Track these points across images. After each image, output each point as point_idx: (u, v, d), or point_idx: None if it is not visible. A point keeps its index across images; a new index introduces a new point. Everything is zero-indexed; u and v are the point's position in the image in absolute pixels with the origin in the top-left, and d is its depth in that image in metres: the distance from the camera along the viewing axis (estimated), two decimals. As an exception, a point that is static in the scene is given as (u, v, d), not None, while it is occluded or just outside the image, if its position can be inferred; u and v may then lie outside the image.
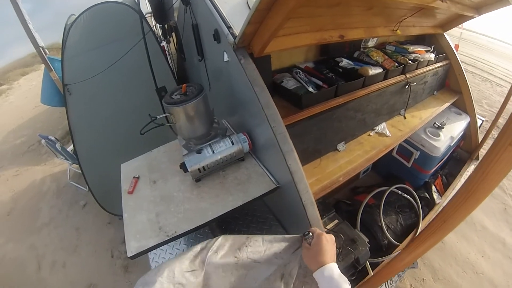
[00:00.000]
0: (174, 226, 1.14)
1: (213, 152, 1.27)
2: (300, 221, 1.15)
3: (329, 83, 1.58)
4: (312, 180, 1.45)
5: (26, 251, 3.16)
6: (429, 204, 2.15)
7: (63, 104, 2.67)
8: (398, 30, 1.81)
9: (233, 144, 1.29)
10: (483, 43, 10.74)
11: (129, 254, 1.08)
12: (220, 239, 0.95)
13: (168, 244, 1.39)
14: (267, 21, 1.03)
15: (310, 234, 0.90)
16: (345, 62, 1.83)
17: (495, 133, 4.53)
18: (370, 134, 1.84)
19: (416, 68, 2.03)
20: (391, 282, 1.67)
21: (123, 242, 2.82)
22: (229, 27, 1.23)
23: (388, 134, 1.82)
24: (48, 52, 3.72)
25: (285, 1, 0.90)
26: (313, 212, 1.11)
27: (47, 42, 4.00)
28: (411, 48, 2.15)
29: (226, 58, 1.28)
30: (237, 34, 1.15)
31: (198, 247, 0.92)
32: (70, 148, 3.31)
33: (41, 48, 3.58)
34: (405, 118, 2.04)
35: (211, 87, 1.71)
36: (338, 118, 1.59)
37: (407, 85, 1.94)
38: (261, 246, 0.97)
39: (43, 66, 3.67)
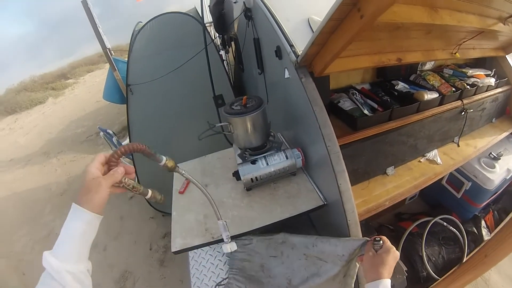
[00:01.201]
0: (218, 229, 1.17)
1: (267, 164, 1.29)
2: (340, 234, 1.16)
3: (384, 106, 1.55)
4: (359, 201, 1.43)
5: None
6: (476, 240, 1.98)
7: (123, 101, 2.87)
8: (457, 53, 1.72)
9: (287, 158, 1.30)
10: None
11: (173, 249, 1.15)
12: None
13: (210, 246, 1.44)
14: (330, 43, 1.04)
15: (381, 242, 0.88)
16: (401, 86, 1.78)
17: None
18: (421, 160, 1.75)
19: (474, 94, 1.90)
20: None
21: (163, 237, 2.94)
22: (291, 45, 1.25)
23: (439, 161, 1.73)
24: (113, 53, 4.01)
25: (349, 26, 0.91)
26: (356, 232, 1.10)
27: (112, 44, 4.30)
28: (470, 72, 2.01)
29: (287, 74, 1.30)
30: (299, 52, 1.17)
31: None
32: (125, 142, 3.51)
33: (107, 49, 3.86)
34: (458, 146, 1.91)
35: (268, 100, 1.74)
36: (390, 142, 1.54)
37: (463, 111, 1.82)
38: (329, 246, 1.09)
39: (107, 65, 3.94)
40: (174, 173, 1.55)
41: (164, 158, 0.82)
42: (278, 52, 1.35)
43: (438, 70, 2.10)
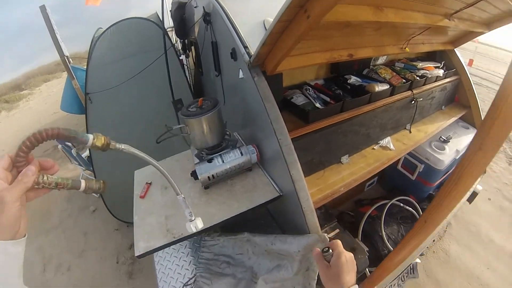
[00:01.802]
0: (181, 228, 1.23)
1: (223, 161, 1.36)
2: (300, 228, 1.23)
3: (337, 99, 1.67)
4: (314, 190, 1.54)
5: (33, 252, 3.27)
6: None
7: (82, 111, 2.81)
8: (406, 48, 1.88)
9: (242, 155, 1.38)
10: (500, 56, 10.61)
11: (137, 254, 1.17)
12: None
13: (174, 248, 1.49)
14: (280, 43, 1.13)
15: (330, 251, 0.84)
16: (353, 79, 1.92)
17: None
18: (374, 147, 1.91)
19: (424, 84, 2.10)
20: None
21: (129, 248, 2.94)
22: (245, 47, 1.34)
23: (392, 147, 1.89)
24: (72, 61, 3.91)
25: (297, 26, 0.99)
26: (312, 219, 1.19)
27: (71, 52, 4.20)
28: (420, 64, 2.21)
29: (241, 75, 1.38)
30: (253, 53, 1.25)
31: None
32: (84, 154, 3.45)
33: (65, 57, 3.76)
34: (410, 132, 2.10)
35: (225, 101, 1.81)
36: (343, 133, 1.67)
37: (413, 100, 2.00)
38: (285, 244, 1.20)
39: (65, 74, 3.88)
40: (135, 178, 1.60)
41: (91, 136, 0.66)
42: (233, 54, 1.42)
43: (390, 64, 2.29)
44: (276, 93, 1.26)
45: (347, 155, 1.77)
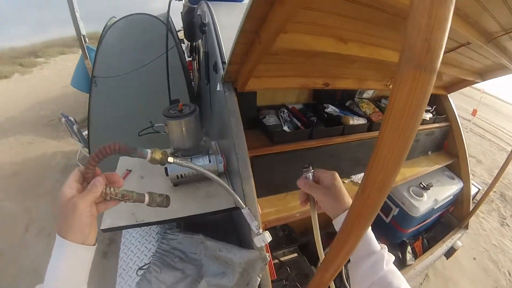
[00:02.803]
0: (144, 215, 1.43)
1: (192, 165, 1.59)
2: (247, 242, 1.38)
3: (308, 126, 1.84)
4: (272, 209, 1.68)
5: (21, 212, 3.61)
6: (400, 264, 2.22)
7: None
8: (390, 86, 1.90)
9: (209, 162, 1.58)
10: (506, 111, 10.54)
11: (102, 227, 1.37)
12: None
13: (140, 233, 1.71)
14: (245, 64, 1.29)
15: (310, 167, 0.84)
16: (330, 109, 2.05)
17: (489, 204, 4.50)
18: (345, 181, 1.99)
19: None
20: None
21: (110, 231, 3.17)
22: (223, 62, 1.54)
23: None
24: (88, 41, 4.23)
25: (254, 50, 1.13)
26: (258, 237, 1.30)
27: (89, 30, 4.51)
28: None
29: (218, 87, 1.60)
30: None
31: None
32: (85, 132, 3.71)
33: (82, 36, 4.08)
34: None
35: (211, 109, 2.00)
36: (310, 160, 1.79)
37: None
38: (230, 254, 1.36)
39: (80, 51, 4.18)
40: (118, 163, 1.85)
41: (149, 151, 0.77)
42: (215, 67, 1.65)
43: (376, 99, 2.39)
44: (247, 110, 1.46)
45: (314, 183, 1.92)
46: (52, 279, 0.60)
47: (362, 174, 1.87)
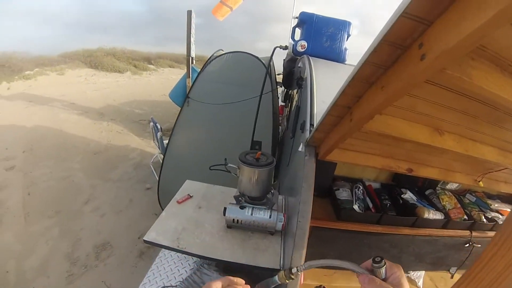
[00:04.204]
0: (187, 243, 1.41)
1: (252, 214, 1.51)
2: None
3: (379, 210, 1.69)
4: (314, 283, 1.56)
5: (87, 186, 3.95)
6: None
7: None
8: (480, 182, 1.66)
9: (270, 218, 1.50)
10: None
11: (145, 238, 1.39)
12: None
13: (179, 256, 1.67)
14: (332, 134, 1.22)
15: (383, 262, 0.65)
16: (408, 195, 1.84)
17: None
18: None
19: (490, 229, 1.83)
20: None
21: (153, 235, 3.27)
22: (311, 124, 1.49)
23: (420, 285, 1.77)
24: (194, 62, 4.57)
25: (343, 124, 1.05)
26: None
27: (199, 53, 4.91)
28: (496, 205, 1.95)
29: (300, 148, 1.55)
30: None
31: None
32: (166, 141, 3.94)
33: (190, 57, 4.42)
34: (452, 277, 1.89)
35: (289, 164, 1.95)
36: (369, 244, 1.65)
37: (468, 243, 1.78)
38: None
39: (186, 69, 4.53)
40: (183, 185, 1.87)
41: (276, 279, 0.81)
42: (302, 125, 1.60)
43: (461, 192, 2.07)
44: (323, 178, 1.37)
45: (366, 268, 1.73)
46: None
47: (423, 272, 1.61)
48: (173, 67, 13.96)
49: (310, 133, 1.44)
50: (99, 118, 6.52)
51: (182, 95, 4.26)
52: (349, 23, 2.47)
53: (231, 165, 1.61)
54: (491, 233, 1.83)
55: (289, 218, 1.54)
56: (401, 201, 1.83)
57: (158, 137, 3.88)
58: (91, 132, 5.72)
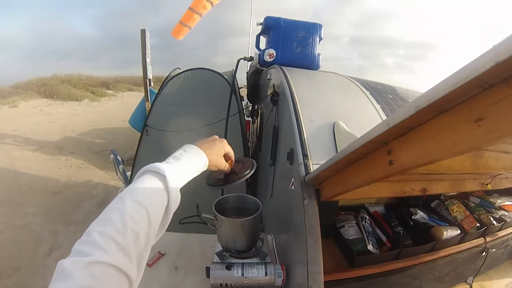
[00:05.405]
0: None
1: (242, 275, 1.16)
2: None
3: (394, 241, 1.38)
4: None
5: (48, 233, 3.43)
6: None
7: (144, 133, 2.87)
8: (489, 185, 1.56)
9: (266, 275, 1.16)
10: None
11: None
12: None
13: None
14: (346, 174, 0.90)
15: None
16: (419, 216, 1.59)
17: None
18: None
19: (500, 230, 1.68)
20: None
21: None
22: (304, 155, 1.16)
23: None
24: (152, 84, 4.18)
25: (373, 167, 0.75)
26: None
27: (157, 74, 4.53)
28: (499, 202, 1.81)
29: (292, 186, 1.21)
30: (311, 166, 1.09)
31: None
32: (128, 173, 3.53)
33: (147, 79, 4.04)
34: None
35: (272, 195, 1.63)
36: (389, 284, 1.33)
37: (484, 251, 1.59)
38: None
39: (144, 92, 4.13)
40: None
41: None
42: (290, 156, 1.27)
43: (464, 196, 1.90)
44: (326, 218, 1.06)
45: (387, 307, 1.42)
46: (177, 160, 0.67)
47: None
48: (132, 91, 13.42)
49: (304, 166, 1.12)
50: (57, 152, 5.88)
51: (142, 120, 3.94)
52: (320, 26, 2.16)
53: (205, 215, 1.25)
54: (501, 233, 1.68)
55: (287, 267, 1.21)
56: (411, 223, 1.55)
57: (121, 170, 3.42)
58: (48, 170, 5.10)
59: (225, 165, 0.81)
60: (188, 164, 0.68)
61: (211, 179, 0.90)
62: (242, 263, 1.20)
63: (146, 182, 0.57)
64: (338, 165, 0.85)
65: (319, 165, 0.97)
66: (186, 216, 1.25)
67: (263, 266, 1.19)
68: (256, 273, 1.17)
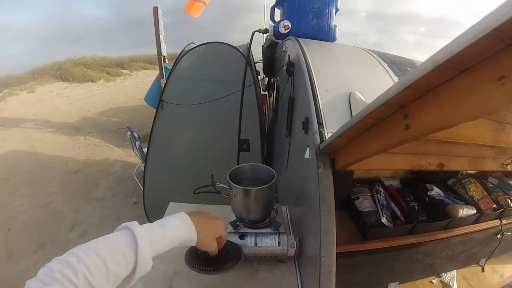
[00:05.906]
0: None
1: (255, 244, 1.16)
2: None
3: (408, 215, 1.36)
4: None
5: (70, 211, 3.54)
6: None
7: (160, 109, 2.89)
8: (508, 166, 1.51)
9: (279, 245, 1.17)
10: None
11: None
12: None
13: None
14: (361, 141, 0.87)
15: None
16: (435, 192, 1.54)
17: None
18: (433, 281, 1.51)
19: None
20: None
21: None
22: (320, 123, 1.13)
23: (454, 287, 1.49)
24: (167, 61, 4.16)
25: (389, 132, 0.72)
26: None
27: (170, 52, 4.49)
28: None
29: (307, 154, 1.19)
30: (326, 134, 1.06)
31: None
32: (145, 150, 3.58)
33: (162, 56, 4.02)
34: (483, 271, 1.64)
35: (287, 166, 1.61)
36: (402, 259, 1.33)
37: (499, 233, 1.56)
38: None
39: (159, 69, 4.12)
40: (166, 211, 1.49)
41: None
42: (305, 125, 1.24)
43: (482, 175, 1.83)
44: (341, 190, 1.04)
45: (397, 282, 1.41)
46: (164, 223, 0.68)
47: (455, 273, 1.33)
48: (147, 69, 13.28)
49: (319, 135, 1.09)
50: (75, 133, 5.99)
51: (157, 97, 3.97)
52: (336, -4, 2.07)
53: (220, 185, 1.24)
54: (519, 216, 1.62)
55: (300, 239, 1.21)
56: (427, 199, 1.51)
57: (137, 147, 3.48)
58: (67, 150, 5.21)
59: (214, 249, 0.80)
60: (172, 234, 0.67)
61: (192, 253, 0.89)
62: (256, 233, 1.20)
63: (120, 240, 0.59)
64: (353, 131, 0.82)
65: (334, 134, 0.94)
66: (200, 186, 1.24)
67: (277, 236, 1.19)
68: (269, 243, 1.18)
